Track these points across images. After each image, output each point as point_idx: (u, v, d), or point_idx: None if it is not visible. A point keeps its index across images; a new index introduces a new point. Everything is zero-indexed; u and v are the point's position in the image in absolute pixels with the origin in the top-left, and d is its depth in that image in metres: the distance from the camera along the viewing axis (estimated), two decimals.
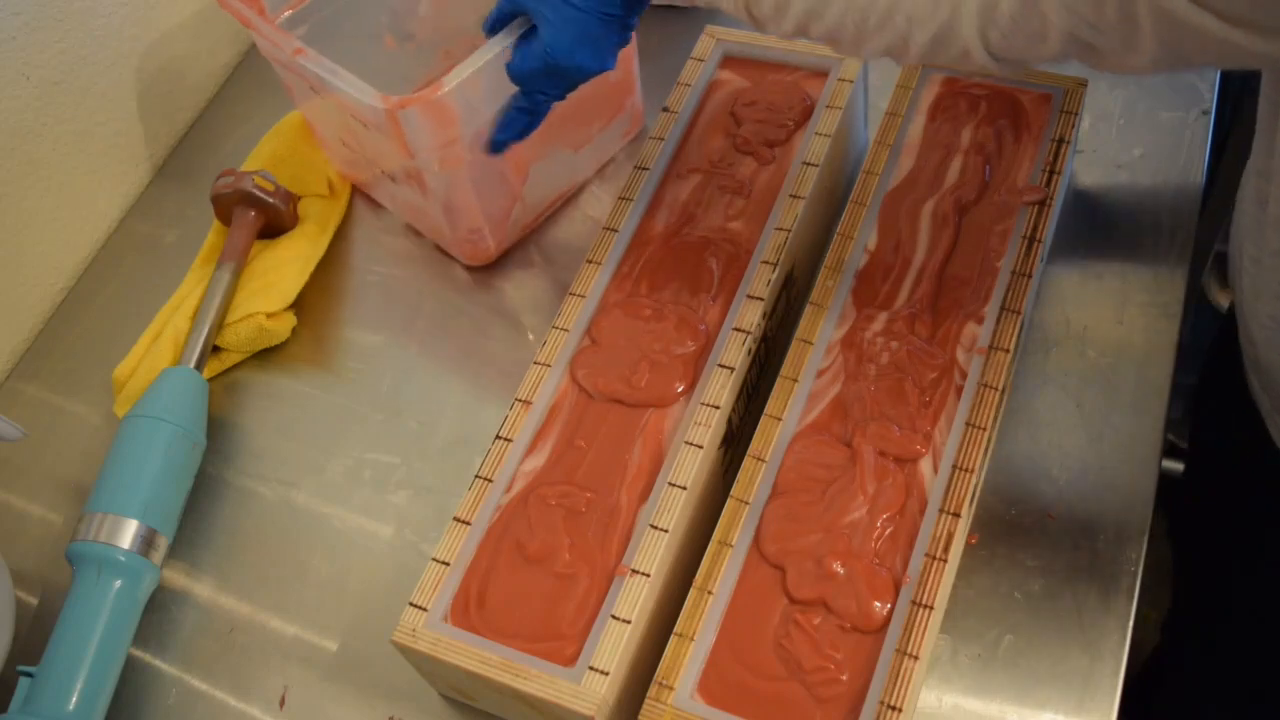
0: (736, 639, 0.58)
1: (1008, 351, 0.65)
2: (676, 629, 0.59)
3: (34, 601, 0.75)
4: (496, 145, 0.72)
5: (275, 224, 0.86)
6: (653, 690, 0.57)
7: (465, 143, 0.73)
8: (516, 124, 0.70)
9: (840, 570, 0.59)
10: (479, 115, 0.72)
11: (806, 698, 0.56)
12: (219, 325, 0.80)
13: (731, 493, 0.62)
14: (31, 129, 0.84)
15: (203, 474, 0.77)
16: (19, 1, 0.80)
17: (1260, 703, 0.82)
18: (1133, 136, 0.81)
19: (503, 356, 0.80)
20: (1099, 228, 0.78)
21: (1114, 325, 0.73)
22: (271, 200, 0.84)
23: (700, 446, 0.63)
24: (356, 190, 0.91)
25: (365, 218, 0.90)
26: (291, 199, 0.87)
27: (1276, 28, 0.44)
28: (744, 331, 0.67)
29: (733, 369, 0.66)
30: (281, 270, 0.84)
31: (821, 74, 0.79)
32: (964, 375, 0.65)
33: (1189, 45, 0.47)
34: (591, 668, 0.57)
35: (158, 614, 0.73)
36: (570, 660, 0.58)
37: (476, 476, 0.65)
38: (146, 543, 0.70)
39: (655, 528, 0.61)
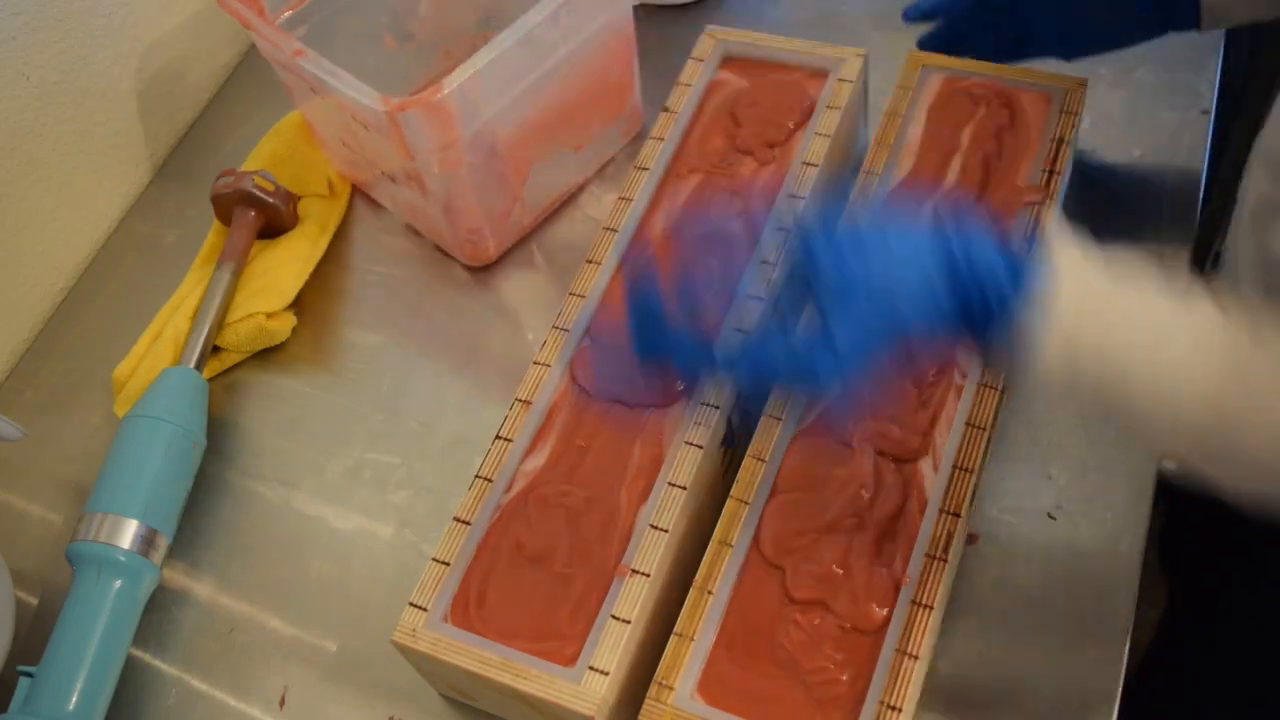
0: (736, 639, 0.58)
1: None
2: (676, 629, 0.59)
3: (34, 601, 0.75)
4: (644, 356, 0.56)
5: (275, 224, 0.86)
6: (653, 690, 0.57)
7: (465, 144, 0.73)
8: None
9: (840, 570, 0.59)
10: (479, 116, 0.72)
11: (806, 698, 0.56)
12: (219, 325, 0.80)
13: (731, 493, 0.62)
14: (31, 129, 0.84)
15: (203, 474, 0.77)
16: (19, 1, 0.80)
17: (1261, 707, 0.82)
18: (1133, 136, 0.81)
19: (503, 356, 0.80)
20: (1099, 228, 0.77)
21: None
22: (271, 200, 0.84)
23: (700, 446, 0.63)
24: (356, 190, 0.91)
25: (365, 218, 0.90)
26: (291, 199, 0.87)
27: None
28: (745, 331, 0.67)
29: None
30: (281, 270, 0.84)
31: (821, 74, 0.79)
32: (964, 375, 0.64)
33: None
34: (591, 668, 0.57)
35: (158, 614, 0.73)
36: (570, 660, 0.58)
37: (476, 476, 0.65)
38: (146, 543, 0.70)
39: (655, 528, 0.61)
